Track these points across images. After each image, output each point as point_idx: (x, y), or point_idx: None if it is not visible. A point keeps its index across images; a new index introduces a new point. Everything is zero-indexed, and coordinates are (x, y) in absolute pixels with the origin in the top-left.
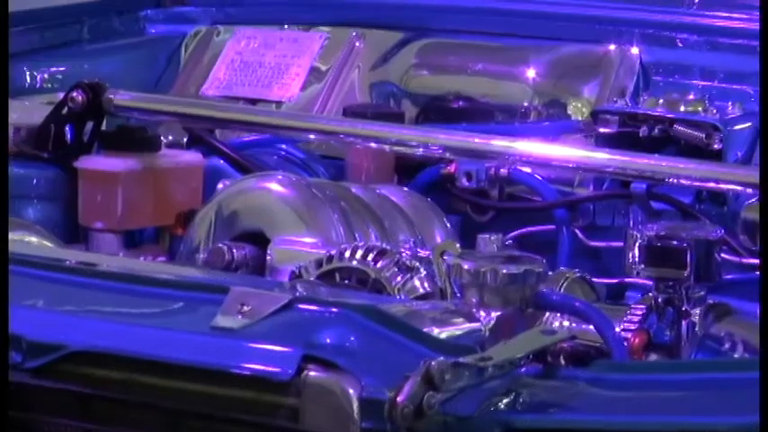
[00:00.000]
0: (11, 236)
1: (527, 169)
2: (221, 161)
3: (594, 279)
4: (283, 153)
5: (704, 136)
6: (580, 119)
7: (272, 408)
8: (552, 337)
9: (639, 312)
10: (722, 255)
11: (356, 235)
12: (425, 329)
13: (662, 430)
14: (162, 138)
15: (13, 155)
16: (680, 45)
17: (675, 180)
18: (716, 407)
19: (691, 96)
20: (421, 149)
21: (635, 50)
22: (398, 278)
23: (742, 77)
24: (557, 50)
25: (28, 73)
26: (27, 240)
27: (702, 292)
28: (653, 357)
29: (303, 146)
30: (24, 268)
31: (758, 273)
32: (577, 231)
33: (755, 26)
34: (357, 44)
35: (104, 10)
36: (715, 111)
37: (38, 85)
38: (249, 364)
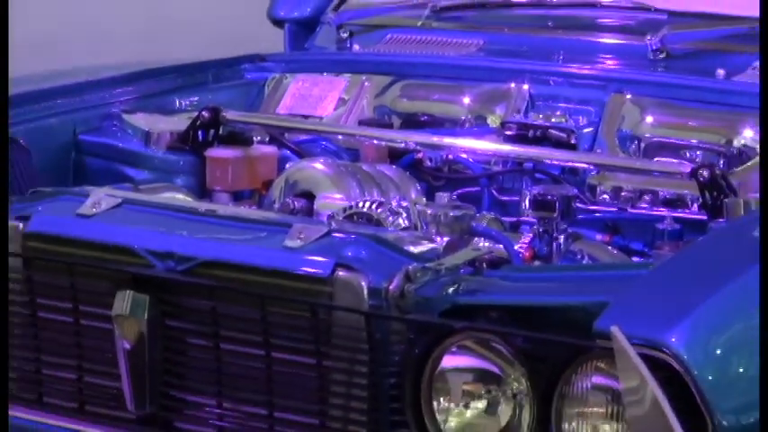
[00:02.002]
0: (169, 194)
1: (464, 155)
2: (287, 151)
3: (503, 218)
4: (323, 146)
5: (566, 136)
6: (494, 126)
7: (318, 293)
8: (479, 252)
9: (528, 238)
10: (576, 204)
11: (365, 194)
12: (405, 247)
13: (541, 304)
14: (253, 138)
15: (168, 148)
16: (551, 83)
17: (549, 161)
18: (573, 292)
19: (558, 113)
20: (403, 144)
21: (525, 87)
22: (390, 218)
23: (588, 102)
24: (482, 87)
25: (177, 101)
26: (176, 197)
27: (565, 226)
28: (536, 263)
29: (335, 142)
30: (174, 212)
31: (597, 214)
32: (493, 191)
33: (601, 71)
34: (366, 84)
35: (221, 64)
36: (572, 122)
37: (183, 108)
38: (304, 267)
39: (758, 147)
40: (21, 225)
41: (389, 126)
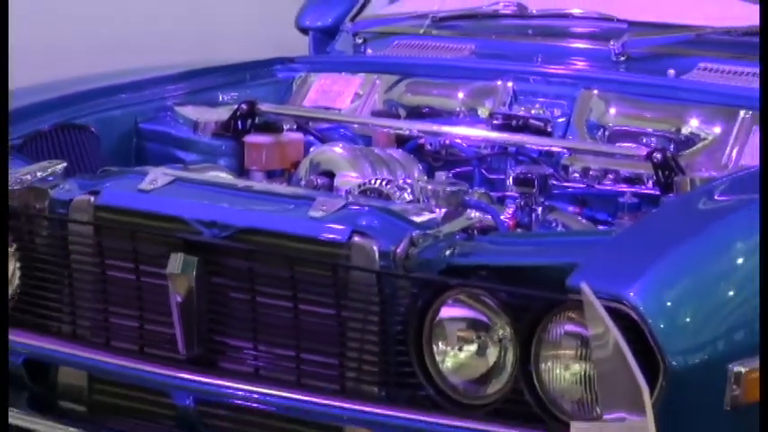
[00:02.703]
0: (213, 173)
1: (459, 141)
2: (312, 137)
3: (491, 193)
4: (341, 133)
5: (543, 125)
6: (484, 117)
7: (337, 255)
8: (471, 221)
9: (512, 209)
10: (552, 181)
11: (377, 173)
12: (410, 217)
13: (522, 265)
14: (283, 126)
15: (212, 135)
16: (531, 81)
17: (529, 146)
18: (549, 254)
19: (537, 106)
20: (408, 132)
21: (510, 84)
22: (397, 193)
23: (561, 97)
24: (473, 84)
25: (220, 96)
26: (219, 175)
27: (542, 200)
28: (519, 231)
29: (351, 130)
30: (218, 188)
31: (569, 190)
32: (483, 171)
33: (572, 71)
34: (377, 82)
35: (256, 65)
36: (548, 113)
37: (225, 102)
38: (326, 234)
39: (702, 133)
40: (92, 198)
41: (397, 116)
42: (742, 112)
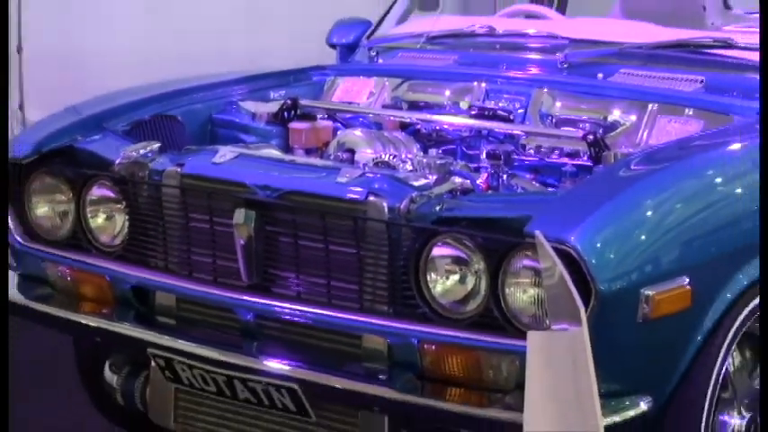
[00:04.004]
0: (266, 150)
1: (446, 126)
2: (338, 124)
3: (470, 164)
4: (360, 121)
5: (508, 114)
6: (464, 108)
7: (357, 210)
8: (455, 185)
9: (485, 176)
10: (514, 156)
11: (386, 150)
12: (410, 182)
13: (493, 216)
14: (317, 116)
15: (266, 122)
16: (498, 83)
17: (497, 130)
18: (512, 209)
19: (502, 101)
20: (408, 120)
21: (483, 84)
22: (401, 164)
23: (521, 94)
24: (456, 85)
25: (271, 93)
26: (271, 152)
27: (507, 169)
28: (490, 192)
29: (368, 119)
30: (270, 161)
31: (526, 162)
32: (463, 148)
33: (529, 76)
34: (386, 83)
35: (298, 71)
36: (511, 106)
37: (275, 98)
38: (349, 194)
39: (622, 121)
40: (179, 169)
41: (401, 108)
42: (650, 105)
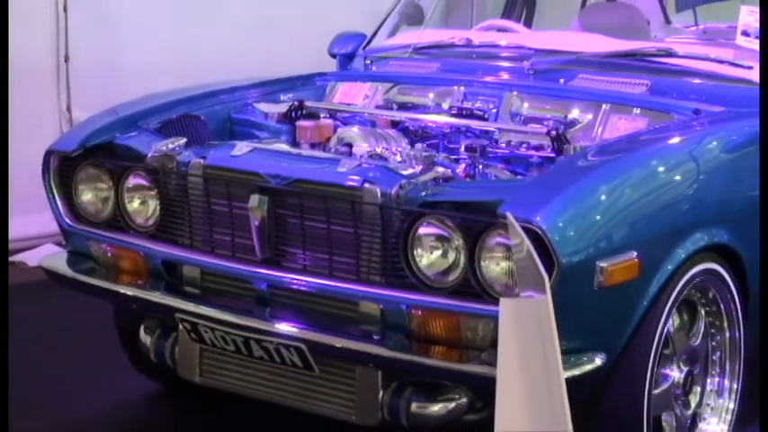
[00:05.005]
0: (277, 145)
1: (431, 124)
2: (338, 122)
3: (451, 156)
4: (357, 119)
5: (483, 113)
6: (446, 108)
7: (354, 195)
8: (438, 173)
9: (464, 166)
10: (488, 149)
11: (379, 144)
12: (400, 171)
13: (470, 200)
14: (320, 115)
15: (277, 121)
16: (475, 86)
17: (474, 127)
18: (486, 193)
19: (479, 102)
20: (398, 118)
21: (462, 88)
22: (392, 157)
23: (494, 96)
24: (439, 88)
25: (281, 96)
26: (281, 146)
27: (482, 160)
28: (468, 179)
29: (364, 117)
30: (280, 153)
31: (499, 154)
32: (445, 143)
33: (501, 81)
34: (379, 87)
35: (304, 77)
36: (486, 106)
37: (284, 100)
38: (347, 182)
39: (580, 119)
40: (202, 161)
41: (392, 109)
42: (604, 105)
